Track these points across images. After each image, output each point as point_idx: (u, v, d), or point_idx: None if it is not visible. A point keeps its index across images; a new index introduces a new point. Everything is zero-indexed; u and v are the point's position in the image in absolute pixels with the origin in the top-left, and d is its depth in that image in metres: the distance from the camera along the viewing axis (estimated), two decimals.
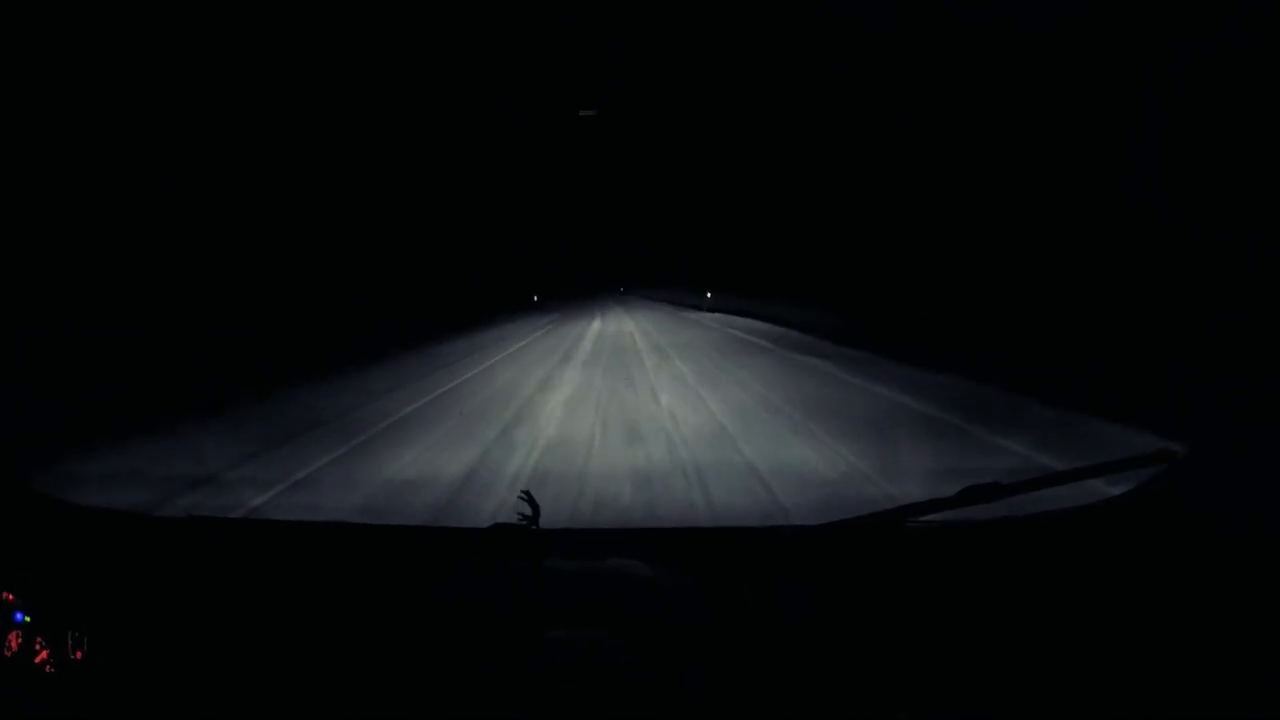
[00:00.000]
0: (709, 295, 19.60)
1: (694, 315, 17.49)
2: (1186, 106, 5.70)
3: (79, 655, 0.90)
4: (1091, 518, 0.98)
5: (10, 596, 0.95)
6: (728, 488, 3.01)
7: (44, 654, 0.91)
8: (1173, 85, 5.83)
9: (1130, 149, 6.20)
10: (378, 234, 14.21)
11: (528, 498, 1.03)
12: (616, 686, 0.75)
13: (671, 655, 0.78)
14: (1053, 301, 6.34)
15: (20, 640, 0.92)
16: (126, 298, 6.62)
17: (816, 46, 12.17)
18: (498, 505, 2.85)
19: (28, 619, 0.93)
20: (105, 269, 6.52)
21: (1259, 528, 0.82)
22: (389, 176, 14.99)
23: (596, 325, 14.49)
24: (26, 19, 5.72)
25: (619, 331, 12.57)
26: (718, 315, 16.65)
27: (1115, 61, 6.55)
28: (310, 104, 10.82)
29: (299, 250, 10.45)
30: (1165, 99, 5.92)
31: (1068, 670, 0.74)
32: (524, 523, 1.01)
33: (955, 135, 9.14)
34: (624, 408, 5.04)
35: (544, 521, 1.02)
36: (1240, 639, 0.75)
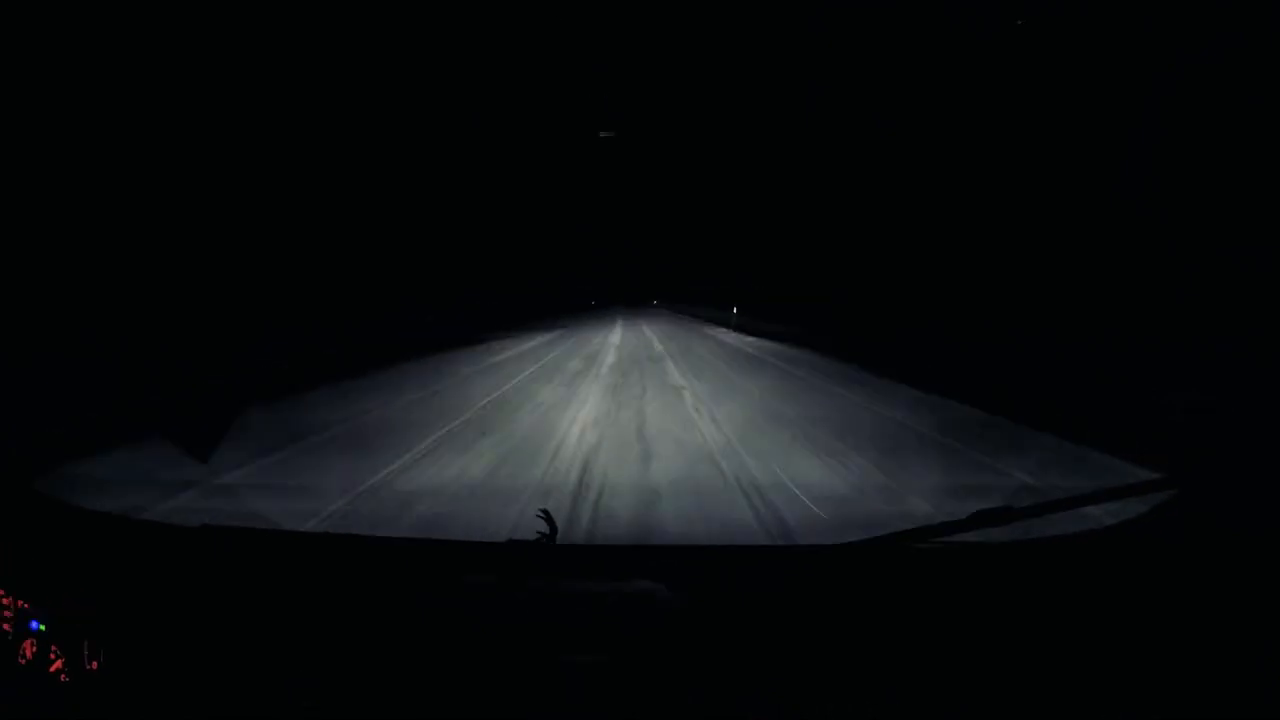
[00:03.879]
0: (734, 311, 18.74)
1: (705, 330, 17.47)
2: (1189, 116, 5.71)
3: (94, 665, 0.90)
4: (1100, 543, 0.99)
5: (25, 605, 0.95)
6: (739, 504, 3.01)
7: (59, 663, 0.91)
8: (1173, 93, 5.83)
9: (1138, 160, 6.20)
10: (399, 245, 14.17)
11: (545, 515, 1.03)
12: (626, 705, 0.76)
13: (683, 675, 0.79)
14: (1062, 318, 6.37)
15: (35, 649, 0.92)
16: (137, 305, 6.61)
17: (837, 66, 12.13)
18: (515, 519, 2.85)
19: (43, 627, 0.93)
20: (114, 275, 6.50)
21: (1266, 552, 0.83)
22: (410, 188, 14.94)
23: (615, 337, 14.45)
24: (26, 19, 5.70)
25: (636, 346, 12.46)
26: (728, 330, 16.57)
27: (1116, 65, 6.55)
28: (331, 116, 10.81)
29: (317, 258, 10.43)
30: (1166, 108, 5.92)
31: (1079, 691, 0.74)
32: (540, 539, 1.01)
33: (984, 154, 9.12)
34: (638, 422, 4.99)
35: (560, 537, 1.02)
36: (1249, 663, 0.75)
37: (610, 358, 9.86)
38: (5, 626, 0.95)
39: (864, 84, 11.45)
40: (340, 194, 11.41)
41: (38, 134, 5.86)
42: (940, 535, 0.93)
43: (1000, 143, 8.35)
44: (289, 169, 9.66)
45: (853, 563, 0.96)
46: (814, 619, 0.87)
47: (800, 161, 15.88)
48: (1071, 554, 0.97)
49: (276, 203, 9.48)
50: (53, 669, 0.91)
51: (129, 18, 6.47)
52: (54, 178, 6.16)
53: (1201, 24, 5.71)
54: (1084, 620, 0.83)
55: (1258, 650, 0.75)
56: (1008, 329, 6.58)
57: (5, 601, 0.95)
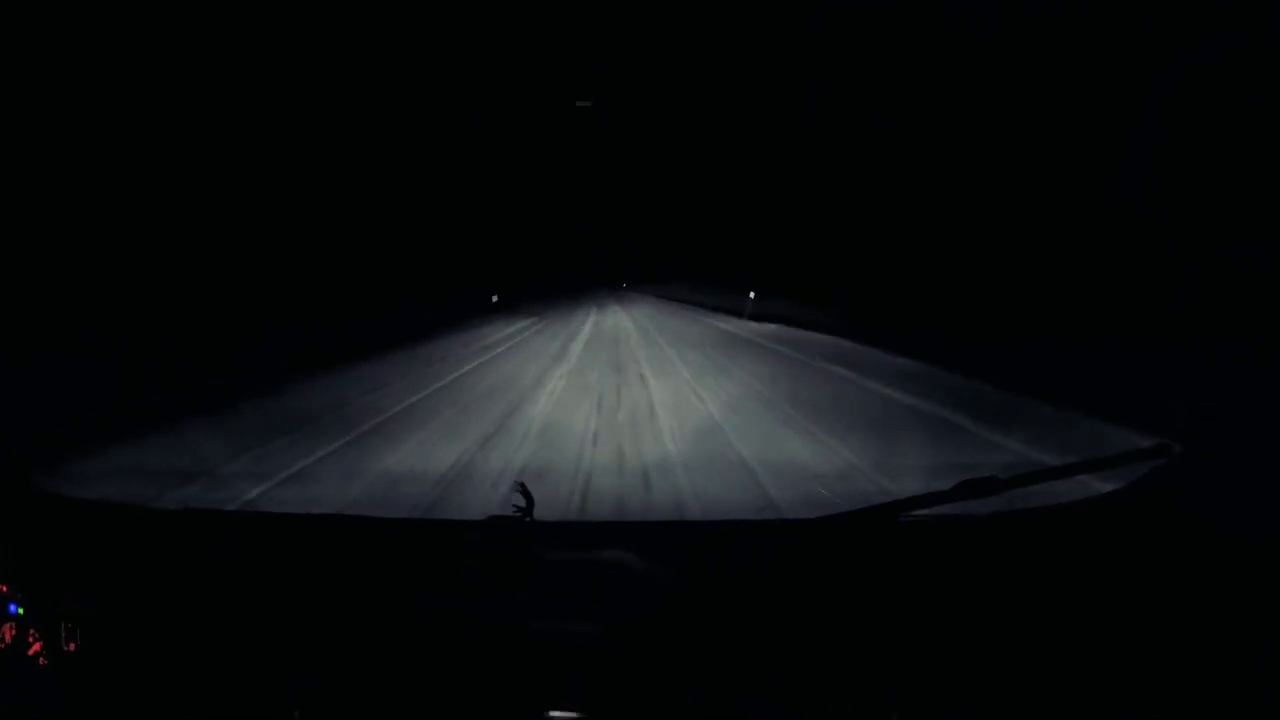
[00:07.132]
0: (751, 299, 17.61)
1: (687, 310, 17.49)
2: (1185, 105, 5.70)
3: (72, 647, 0.90)
4: (1086, 513, 0.98)
5: (4, 588, 0.95)
6: (721, 482, 3.00)
7: (37, 646, 0.91)
8: (1174, 84, 5.82)
9: (1126, 145, 6.20)
10: (370, 228, 14.12)
11: (522, 489, 1.02)
12: (607, 680, 0.75)
13: (663, 649, 0.78)
14: (1048, 296, 6.36)
15: (14, 632, 0.92)
16: (119, 292, 6.61)
17: (819, 42, 12.09)
18: (493, 498, 2.85)
19: (21, 610, 0.93)
20: (98, 264, 6.51)
21: (1252, 524, 0.82)
22: (382, 170, 14.85)
23: (593, 319, 14.44)
24: (25, 18, 5.70)
25: (615, 326, 12.52)
26: (710, 310, 16.59)
27: (1117, 59, 6.54)
28: (304, 97, 10.75)
29: (292, 244, 10.40)
30: (1164, 97, 5.91)
31: (1061, 665, 0.74)
32: (518, 515, 1.00)
33: (950, 129, 9.14)
34: (618, 402, 5.03)
35: (538, 514, 1.02)
36: (1234, 634, 0.75)
37: None
38: None
39: (861, 74, 11.41)
40: (334, 188, 11.38)
41: (37, 134, 5.88)
42: (926, 506, 0.92)
43: (1000, 141, 8.33)
44: (253, 150, 9.59)
45: (838, 535, 0.95)
46: (799, 591, 0.87)
47: (797, 154, 15.79)
48: (1058, 524, 0.97)
49: (270, 199, 9.49)
50: (31, 652, 0.91)
51: (127, 17, 6.48)
52: (53, 178, 6.17)
53: (1201, 24, 5.71)
54: (1070, 590, 0.82)
55: (1242, 620, 0.75)
56: (1004, 331, 6.55)
57: None
